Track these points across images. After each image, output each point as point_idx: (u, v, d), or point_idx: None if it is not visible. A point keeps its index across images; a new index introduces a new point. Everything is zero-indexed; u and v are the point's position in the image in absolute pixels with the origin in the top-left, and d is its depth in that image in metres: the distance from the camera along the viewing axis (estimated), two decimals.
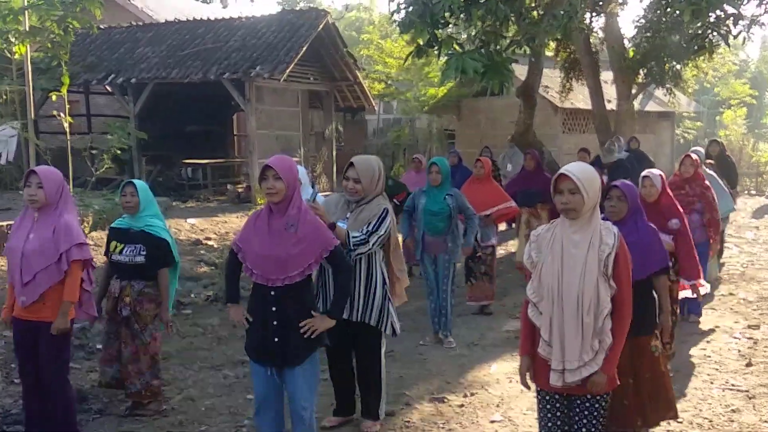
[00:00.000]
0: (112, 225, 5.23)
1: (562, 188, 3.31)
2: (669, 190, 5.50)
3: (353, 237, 4.48)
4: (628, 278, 3.37)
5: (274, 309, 3.88)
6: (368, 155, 4.94)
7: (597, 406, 3.41)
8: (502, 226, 11.44)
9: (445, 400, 5.43)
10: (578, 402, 3.42)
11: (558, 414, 3.46)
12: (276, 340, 3.87)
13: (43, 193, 4.32)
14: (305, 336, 3.88)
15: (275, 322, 3.88)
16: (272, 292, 3.88)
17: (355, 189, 4.63)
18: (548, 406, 3.48)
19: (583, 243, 3.30)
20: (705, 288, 5.56)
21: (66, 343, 4.49)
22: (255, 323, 3.97)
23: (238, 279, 4.11)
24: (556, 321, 3.33)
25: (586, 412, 3.40)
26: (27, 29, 12.15)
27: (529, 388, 3.57)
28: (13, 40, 12.36)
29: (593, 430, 3.41)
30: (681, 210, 5.49)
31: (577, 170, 3.32)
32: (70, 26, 12.02)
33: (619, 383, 3.49)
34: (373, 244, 4.58)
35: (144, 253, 4.99)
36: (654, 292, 4.43)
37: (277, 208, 3.87)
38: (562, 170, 3.35)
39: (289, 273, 3.83)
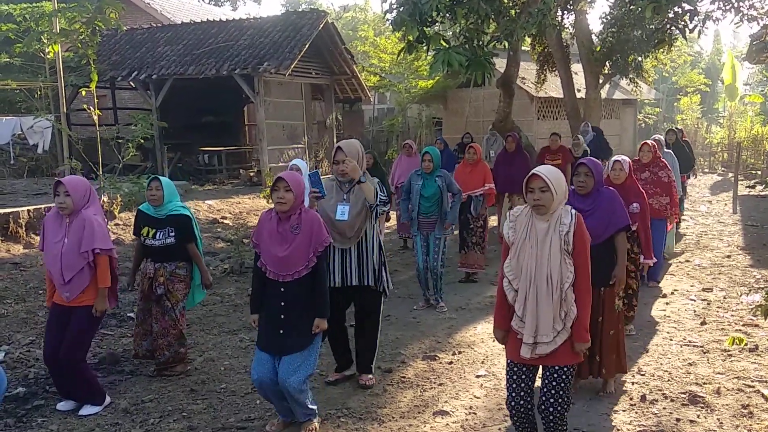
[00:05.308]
0: (141, 209, 5.12)
1: (533, 187, 3.27)
2: (633, 175, 5.51)
3: (381, 195, 4.55)
4: (586, 255, 3.32)
5: (282, 304, 3.92)
6: (350, 140, 4.89)
7: (564, 377, 3.36)
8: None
9: (436, 358, 5.44)
10: (548, 373, 3.38)
11: (522, 385, 3.41)
12: (281, 332, 3.91)
13: (71, 200, 4.28)
14: (305, 330, 3.93)
15: (282, 316, 3.92)
16: (282, 288, 3.92)
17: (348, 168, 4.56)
18: (515, 377, 3.42)
19: (550, 229, 3.28)
20: (651, 262, 5.60)
21: (92, 327, 4.50)
22: (265, 317, 3.99)
23: (263, 292, 4.03)
24: (531, 299, 3.30)
25: (555, 383, 3.36)
26: (57, 31, 11.99)
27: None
28: (45, 41, 12.20)
29: (563, 395, 3.36)
30: (642, 192, 5.48)
31: (547, 171, 3.29)
32: (97, 28, 11.87)
33: None
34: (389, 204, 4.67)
35: (173, 234, 4.96)
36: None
37: (284, 216, 3.93)
38: (533, 171, 3.31)
39: (297, 268, 3.89)
